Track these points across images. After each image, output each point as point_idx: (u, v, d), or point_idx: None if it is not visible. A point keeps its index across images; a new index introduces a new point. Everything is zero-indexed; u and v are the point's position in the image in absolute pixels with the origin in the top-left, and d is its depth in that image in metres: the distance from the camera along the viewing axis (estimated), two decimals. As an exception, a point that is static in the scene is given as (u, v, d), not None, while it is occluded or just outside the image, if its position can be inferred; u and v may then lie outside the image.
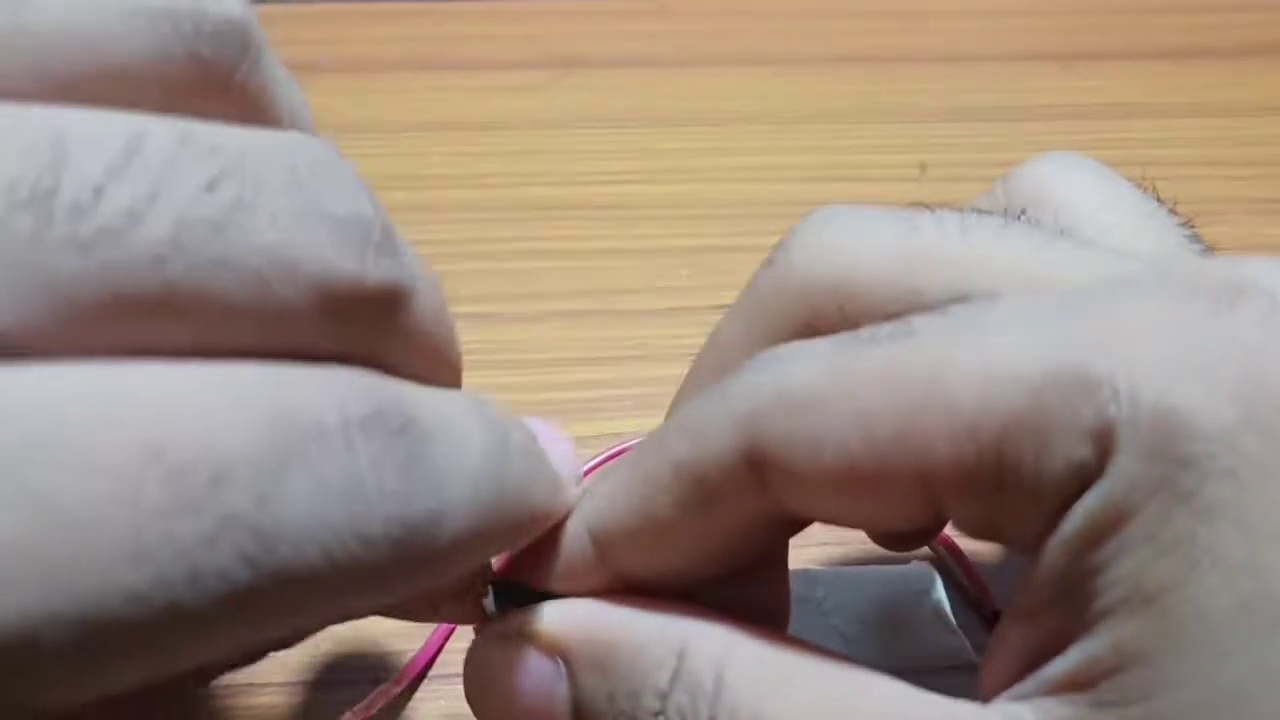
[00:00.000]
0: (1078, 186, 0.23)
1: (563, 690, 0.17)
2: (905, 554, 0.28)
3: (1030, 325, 0.15)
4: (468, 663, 0.18)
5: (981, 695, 0.16)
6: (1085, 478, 0.14)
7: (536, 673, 0.17)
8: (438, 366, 0.16)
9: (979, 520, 0.16)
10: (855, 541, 0.29)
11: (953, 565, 0.29)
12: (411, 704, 0.26)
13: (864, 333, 0.16)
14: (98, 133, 0.12)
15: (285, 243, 0.13)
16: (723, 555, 0.17)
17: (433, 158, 0.45)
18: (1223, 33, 0.55)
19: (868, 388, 0.15)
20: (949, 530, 0.29)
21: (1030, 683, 0.15)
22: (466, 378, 0.38)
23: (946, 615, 0.26)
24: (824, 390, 0.16)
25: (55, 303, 0.11)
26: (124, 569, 0.11)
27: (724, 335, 0.20)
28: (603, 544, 0.18)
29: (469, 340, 0.42)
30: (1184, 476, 0.13)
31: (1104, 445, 0.14)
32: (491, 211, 0.43)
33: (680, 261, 0.40)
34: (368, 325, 0.14)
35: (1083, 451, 0.14)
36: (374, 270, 0.14)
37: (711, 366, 0.20)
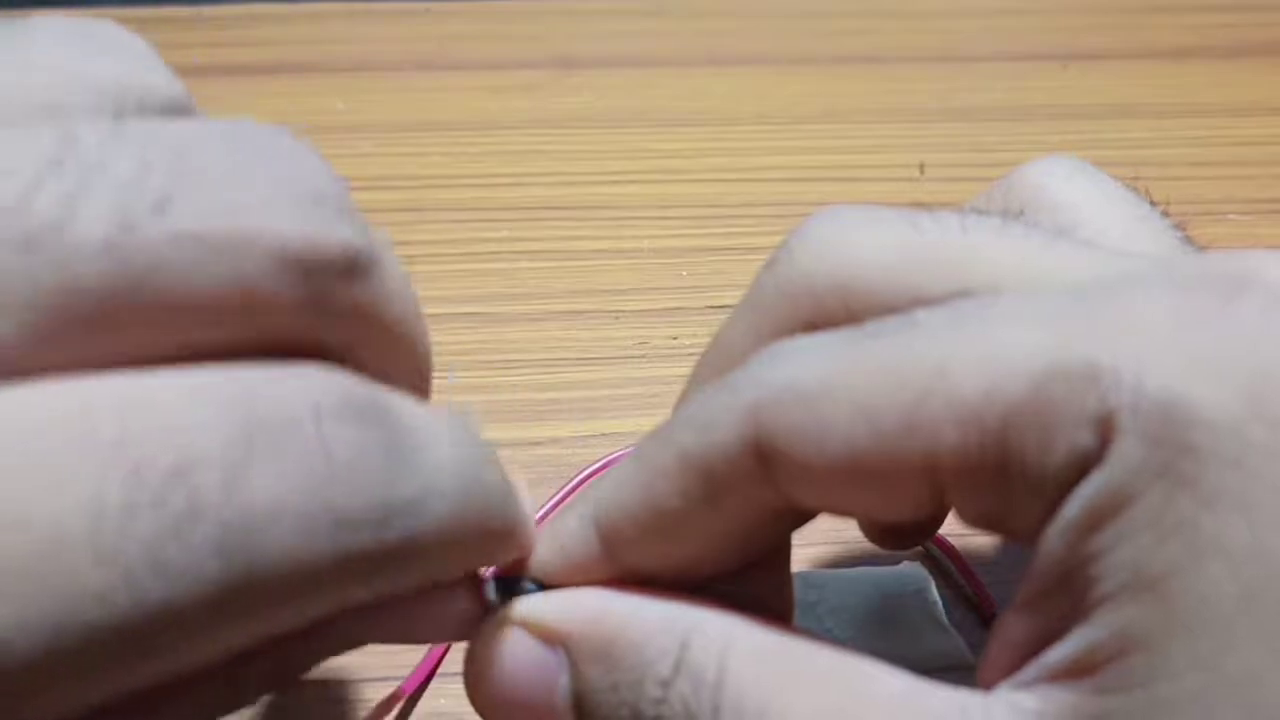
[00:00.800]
0: (1073, 189, 0.23)
1: (564, 681, 0.17)
2: (899, 553, 0.28)
3: (1035, 317, 0.15)
4: (468, 654, 0.18)
5: (982, 685, 0.16)
6: (1086, 465, 0.14)
7: (537, 663, 0.17)
8: (407, 351, 0.16)
9: (983, 511, 0.16)
10: (848, 541, 0.29)
11: (948, 565, 0.29)
12: (418, 703, 0.26)
13: (869, 326, 0.16)
14: (23, 146, 0.12)
15: (236, 214, 0.13)
16: (728, 548, 0.17)
17: (432, 158, 0.45)
18: (1222, 33, 0.55)
19: (873, 378, 0.15)
20: (944, 531, 0.29)
21: (1032, 669, 0.15)
22: (466, 378, 0.38)
23: (941, 616, 0.26)
24: (830, 381, 0.16)
25: (20, 316, 0.11)
26: (88, 571, 0.11)
27: (728, 335, 0.20)
28: (608, 536, 0.18)
29: (469, 340, 0.42)
30: (1187, 463, 0.13)
31: (1106, 432, 0.14)
32: (490, 211, 0.43)
33: (679, 261, 0.40)
34: (332, 292, 0.14)
35: (1085, 438, 0.14)
36: (333, 233, 0.13)
37: (716, 366, 0.20)
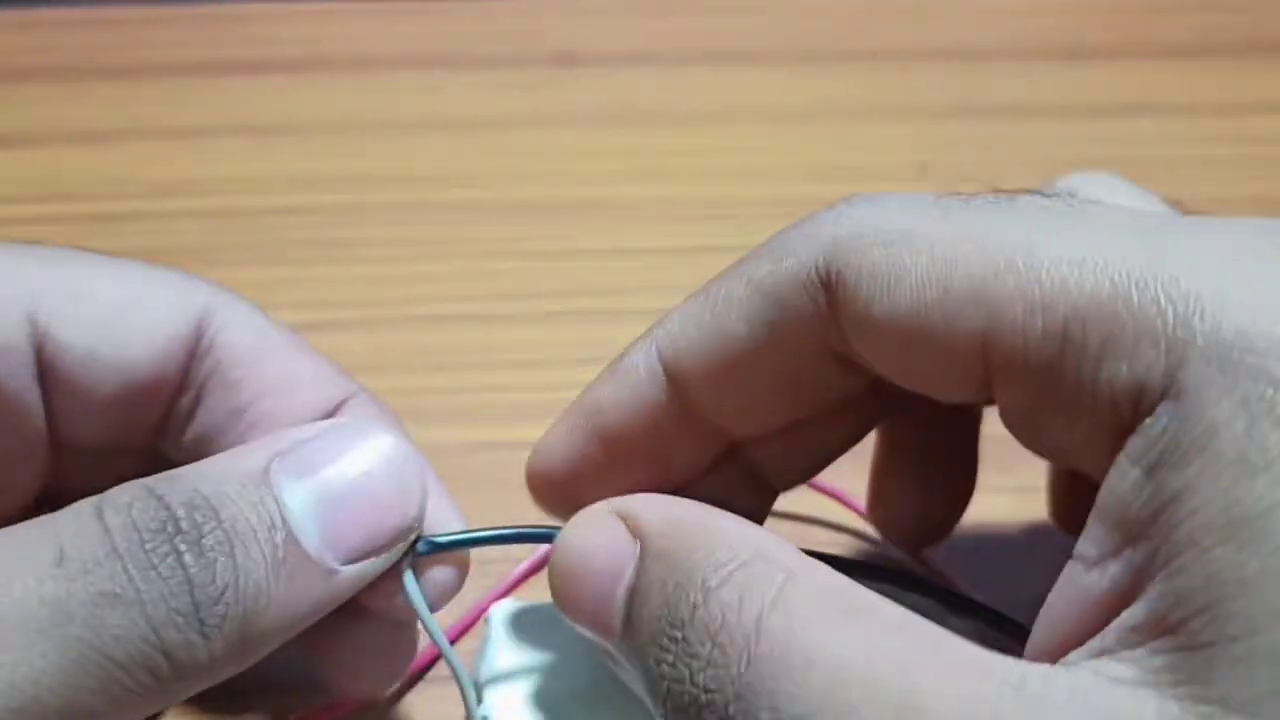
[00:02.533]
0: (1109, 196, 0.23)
1: (629, 573, 0.17)
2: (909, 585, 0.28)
3: (1132, 231, 0.15)
4: (570, 525, 0.19)
5: (1043, 658, 0.15)
6: (1143, 389, 0.14)
7: (616, 548, 0.18)
8: None
9: (1025, 410, 0.15)
10: (851, 542, 0.29)
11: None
12: (403, 706, 0.26)
13: (970, 197, 0.17)
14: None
15: None
16: (786, 393, 0.18)
17: (431, 157, 0.45)
18: (1225, 31, 0.55)
19: (960, 239, 0.16)
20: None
21: (1112, 633, 0.14)
22: (466, 377, 0.37)
23: None
24: (914, 231, 0.16)
25: None
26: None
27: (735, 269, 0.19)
28: (671, 366, 0.18)
29: (469, 340, 0.41)
30: (1276, 393, 0.13)
31: (1175, 355, 0.13)
32: (490, 210, 0.42)
33: (680, 261, 0.40)
34: None
35: (1149, 357, 0.14)
36: None
37: (709, 288, 0.19)
